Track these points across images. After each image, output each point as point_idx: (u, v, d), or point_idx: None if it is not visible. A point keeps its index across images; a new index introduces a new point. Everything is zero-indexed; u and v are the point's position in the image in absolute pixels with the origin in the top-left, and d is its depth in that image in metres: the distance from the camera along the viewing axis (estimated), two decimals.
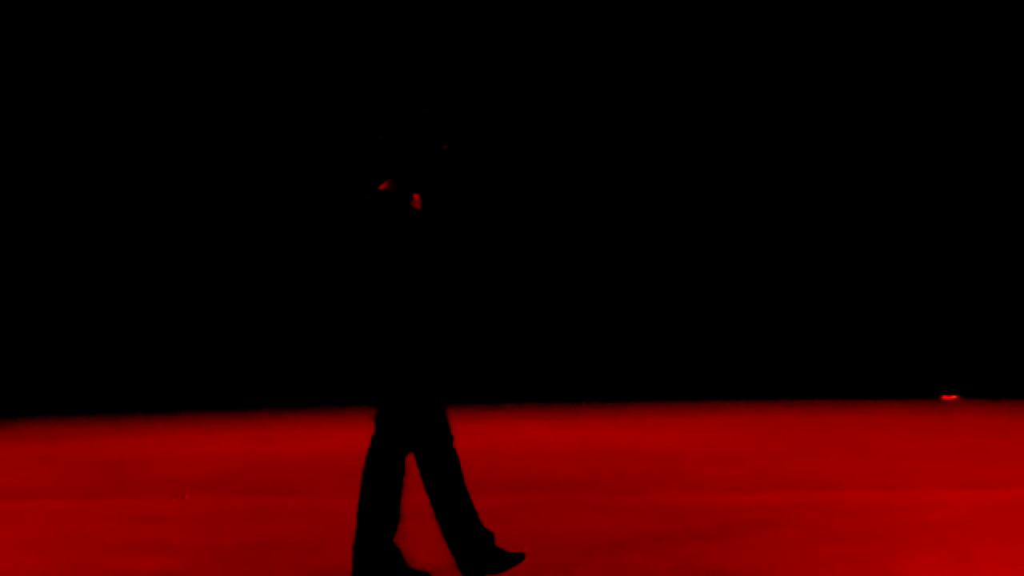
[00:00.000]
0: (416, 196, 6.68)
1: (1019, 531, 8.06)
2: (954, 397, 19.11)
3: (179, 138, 20.40)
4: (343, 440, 13.79)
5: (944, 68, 19.76)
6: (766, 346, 19.86)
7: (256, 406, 19.44)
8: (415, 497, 6.84)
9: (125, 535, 8.62)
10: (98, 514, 9.61)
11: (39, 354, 20.00)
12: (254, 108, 20.37)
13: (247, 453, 13.88)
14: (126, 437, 16.06)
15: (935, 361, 19.50)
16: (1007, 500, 9.38)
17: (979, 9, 19.63)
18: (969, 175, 19.70)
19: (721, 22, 20.08)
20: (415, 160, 6.63)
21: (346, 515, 7.16)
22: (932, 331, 19.57)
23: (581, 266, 20.11)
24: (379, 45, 20.20)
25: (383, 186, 6.63)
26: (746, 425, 15.96)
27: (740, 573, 6.84)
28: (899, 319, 19.70)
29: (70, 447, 15.03)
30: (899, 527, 8.26)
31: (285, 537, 8.43)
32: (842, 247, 19.91)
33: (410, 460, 6.70)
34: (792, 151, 20.07)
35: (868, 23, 19.84)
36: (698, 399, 19.28)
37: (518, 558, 6.70)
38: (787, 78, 20.02)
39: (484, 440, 13.96)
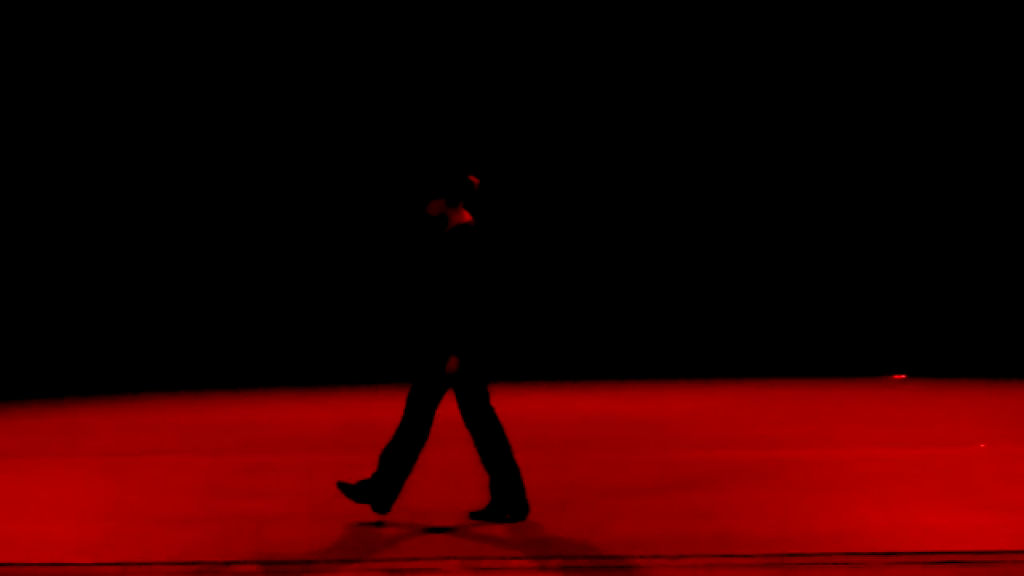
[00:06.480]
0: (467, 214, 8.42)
1: (934, 480, 9.69)
2: (903, 376, 20.31)
3: (171, 130, 20.36)
4: None
5: (901, 67, 20.13)
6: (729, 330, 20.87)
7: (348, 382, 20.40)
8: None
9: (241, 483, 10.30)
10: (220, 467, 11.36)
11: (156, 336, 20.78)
12: (232, 99, 20.51)
13: (340, 418, 15.60)
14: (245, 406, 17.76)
15: (887, 343, 20.49)
16: (925, 456, 11.08)
17: (979, 9, 19.77)
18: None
19: (720, 20, 20.50)
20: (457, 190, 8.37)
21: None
22: (883, 314, 20.50)
23: (574, 261, 20.95)
24: (386, 44, 20.51)
25: (433, 208, 8.35)
26: (721, 397, 17.33)
27: (722, 515, 8.29)
28: (843, 303, 20.55)
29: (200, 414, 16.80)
30: (840, 478, 9.76)
31: None
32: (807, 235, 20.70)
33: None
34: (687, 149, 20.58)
35: (867, 22, 20.19)
36: (683, 376, 20.51)
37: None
38: (777, 73, 20.38)
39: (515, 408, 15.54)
